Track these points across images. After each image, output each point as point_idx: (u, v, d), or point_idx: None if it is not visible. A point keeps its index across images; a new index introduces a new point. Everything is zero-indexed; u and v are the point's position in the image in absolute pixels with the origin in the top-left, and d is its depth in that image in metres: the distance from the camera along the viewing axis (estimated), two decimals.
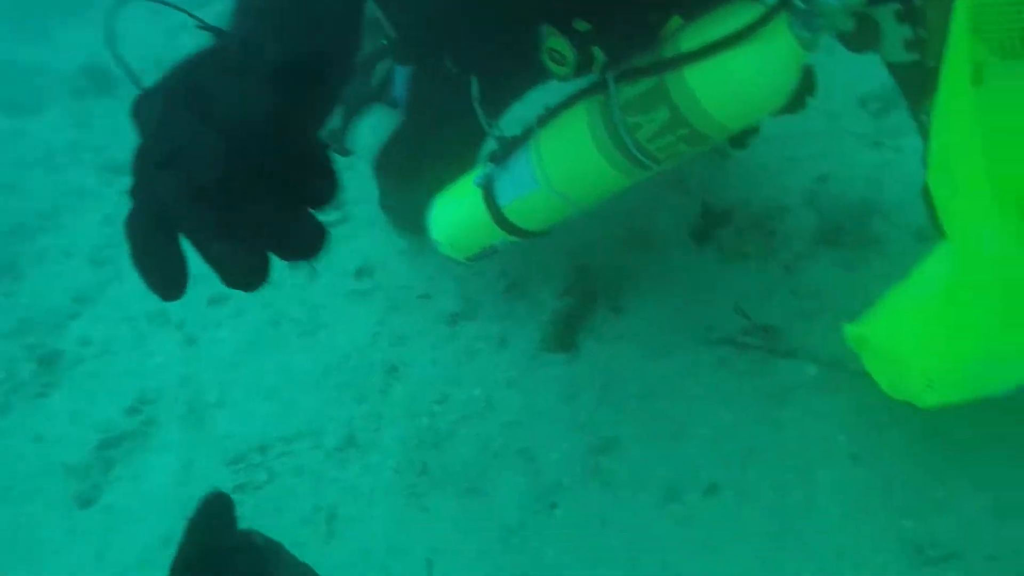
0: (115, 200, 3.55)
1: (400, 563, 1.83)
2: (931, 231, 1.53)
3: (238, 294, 2.75)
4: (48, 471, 2.30)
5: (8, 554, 2.14)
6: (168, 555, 1.91)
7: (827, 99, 2.40)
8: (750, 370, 2.00)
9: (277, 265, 0.64)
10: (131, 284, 3.00)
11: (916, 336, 1.41)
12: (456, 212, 1.84)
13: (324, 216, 0.60)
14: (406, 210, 2.36)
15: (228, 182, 0.53)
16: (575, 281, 2.20)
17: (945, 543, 1.59)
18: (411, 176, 2.09)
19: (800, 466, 1.81)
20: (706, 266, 2.20)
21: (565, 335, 2.11)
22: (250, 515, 2.02)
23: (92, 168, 3.67)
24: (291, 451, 2.15)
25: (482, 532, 1.84)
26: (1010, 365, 1.35)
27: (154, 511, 2.12)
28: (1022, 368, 1.33)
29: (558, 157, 1.61)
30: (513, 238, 1.79)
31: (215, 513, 0.60)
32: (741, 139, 1.91)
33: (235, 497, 2.05)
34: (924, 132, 1.48)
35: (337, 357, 2.37)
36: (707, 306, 2.13)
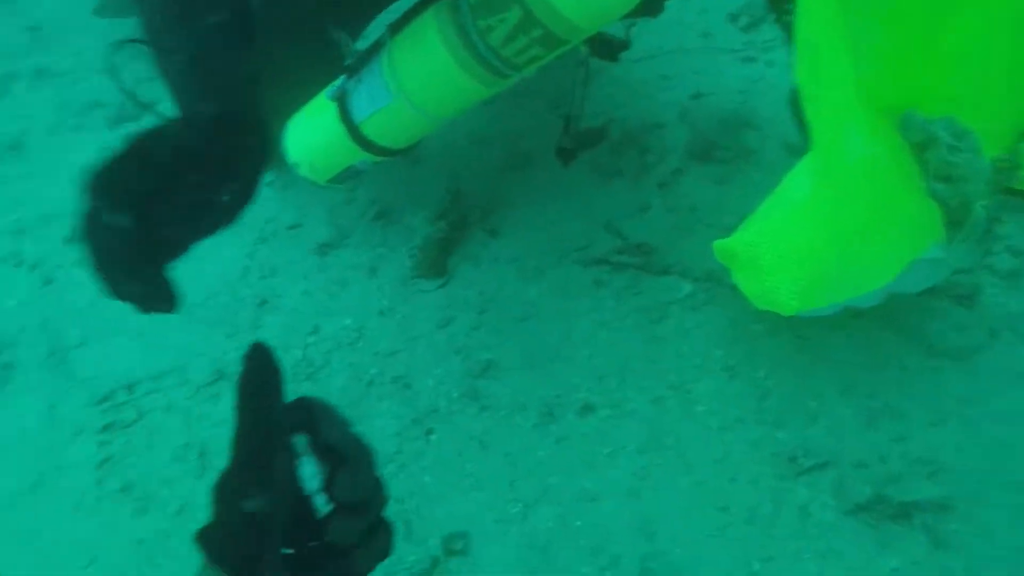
0: None
1: None
2: (800, 143, 1.53)
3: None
4: None
5: None
6: (35, 500, 1.82)
7: (700, 17, 2.40)
8: (626, 288, 2.03)
9: None
10: None
11: (782, 244, 1.43)
12: (312, 131, 1.74)
13: None
14: None
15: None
16: (449, 205, 2.15)
17: (817, 452, 1.67)
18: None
19: (677, 381, 1.85)
20: (581, 186, 2.19)
21: (438, 260, 2.08)
22: (120, 453, 1.97)
23: None
24: (159, 388, 2.07)
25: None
26: (871, 269, 1.34)
27: (17, 455, 2.02)
28: (882, 273, 1.33)
29: (411, 67, 1.53)
30: (374, 157, 1.71)
31: (261, 378, 0.59)
32: (611, 53, 1.87)
33: (104, 437, 1.99)
34: (789, 34, 1.44)
35: (204, 293, 2.27)
36: (582, 225, 2.13)
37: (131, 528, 1.83)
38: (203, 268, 2.32)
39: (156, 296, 1.08)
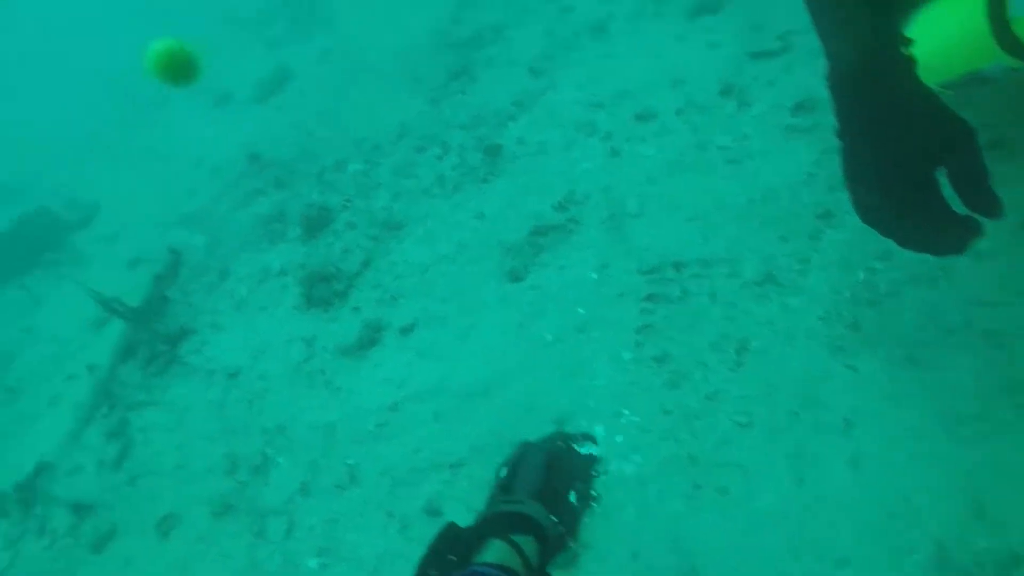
0: (554, 16, 3.70)
1: (812, 414, 1.70)
2: None
3: (665, 111, 2.68)
4: (488, 244, 2.59)
5: (451, 303, 2.51)
6: (580, 341, 1.95)
7: None
8: None
9: None
10: (563, 93, 3.14)
11: None
12: (941, 24, 1.45)
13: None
14: None
15: None
16: None
17: None
18: None
19: None
20: None
21: None
22: (661, 324, 2.05)
23: None
24: (706, 274, 2.09)
25: (919, 409, 1.60)
26: None
27: (571, 298, 2.26)
28: None
29: None
30: (1016, 62, 1.37)
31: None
32: None
33: (647, 305, 2.09)
34: None
35: (763, 190, 2.20)
36: None
37: (661, 397, 1.91)
38: (764, 165, 2.25)
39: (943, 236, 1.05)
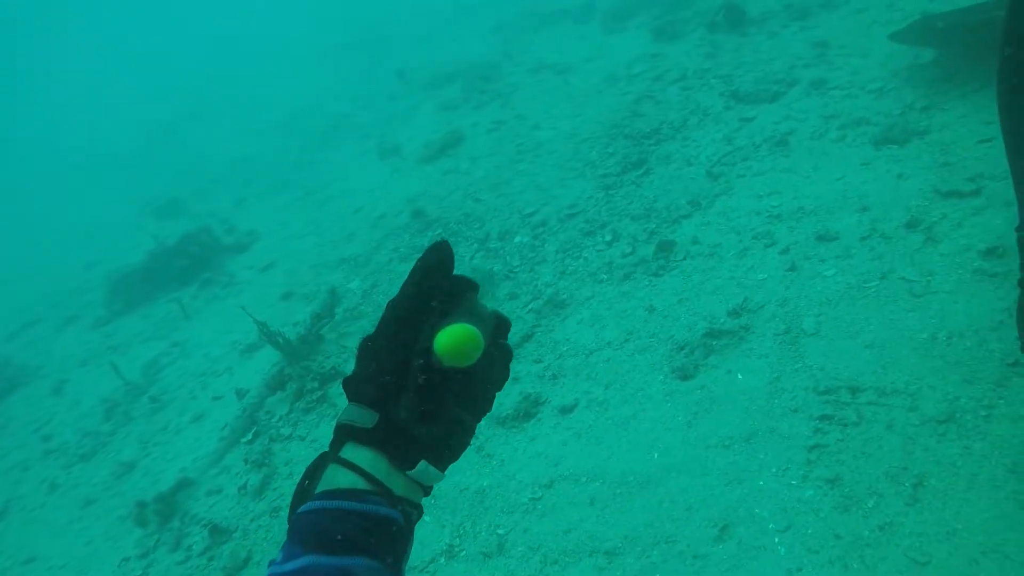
0: (734, 124, 3.87)
1: (995, 564, 1.70)
2: None
3: (848, 234, 2.75)
4: (657, 337, 2.72)
5: (614, 390, 2.63)
6: (748, 449, 2.02)
7: None
8: None
9: None
10: (740, 200, 3.27)
11: None
12: None
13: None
14: None
15: None
16: None
17: None
18: None
19: None
20: None
21: None
22: (834, 447, 2.10)
23: (717, 93, 4.01)
24: (884, 403, 2.13)
25: None
26: None
27: (741, 405, 2.34)
28: None
29: None
30: None
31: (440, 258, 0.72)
32: None
33: (820, 425, 2.15)
34: None
35: (948, 329, 2.23)
36: None
37: (831, 518, 1.95)
38: (951, 304, 2.29)
39: None
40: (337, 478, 0.68)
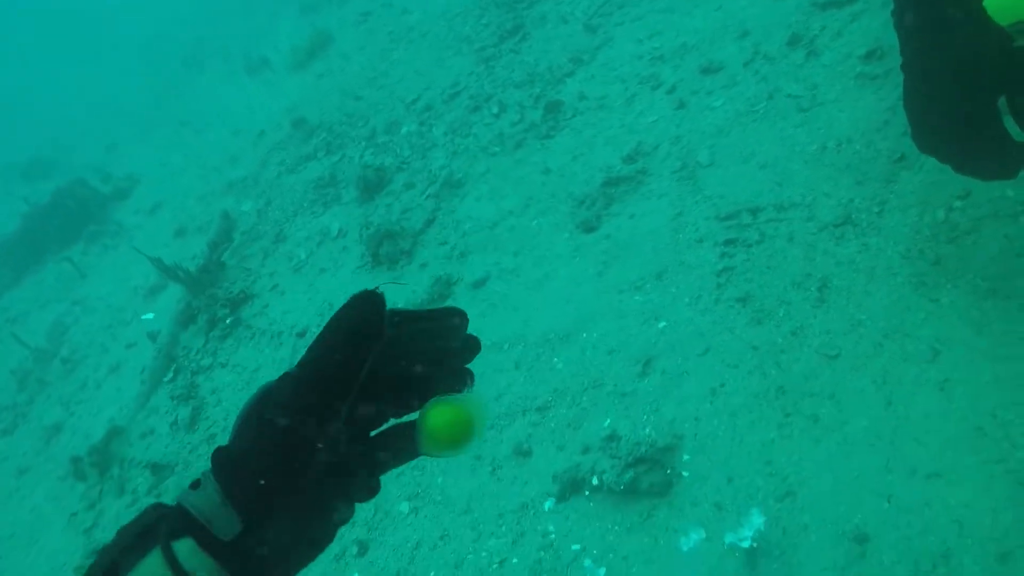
0: None
1: (897, 344, 1.78)
2: None
3: (735, 63, 2.71)
4: (557, 197, 2.66)
5: (523, 256, 2.59)
6: (661, 286, 2.00)
7: None
8: None
9: None
10: (622, 48, 3.18)
11: None
12: None
13: None
14: None
15: None
16: None
17: None
18: None
19: None
20: None
21: None
22: (741, 267, 2.12)
23: None
24: (783, 218, 2.15)
25: (1002, 336, 1.67)
26: None
27: (648, 246, 2.33)
28: None
29: None
30: None
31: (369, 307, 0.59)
32: None
33: (726, 249, 2.16)
34: None
35: (837, 137, 2.25)
36: None
37: (746, 333, 1.98)
38: (836, 112, 2.30)
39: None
40: None
